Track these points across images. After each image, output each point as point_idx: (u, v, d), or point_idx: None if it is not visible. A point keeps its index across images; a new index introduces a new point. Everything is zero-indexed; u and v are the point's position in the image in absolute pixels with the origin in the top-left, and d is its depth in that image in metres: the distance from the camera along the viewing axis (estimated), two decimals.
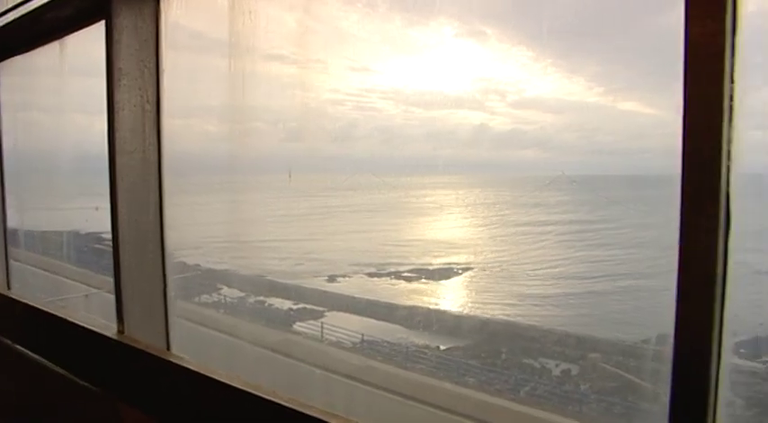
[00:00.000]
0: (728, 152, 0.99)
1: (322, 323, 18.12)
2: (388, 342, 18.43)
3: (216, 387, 2.28)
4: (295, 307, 21.23)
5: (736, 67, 0.99)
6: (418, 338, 19.55)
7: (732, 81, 0.99)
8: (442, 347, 18.58)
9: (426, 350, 18.12)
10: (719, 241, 0.96)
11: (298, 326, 19.07)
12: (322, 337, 17.30)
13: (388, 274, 25.40)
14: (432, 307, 22.72)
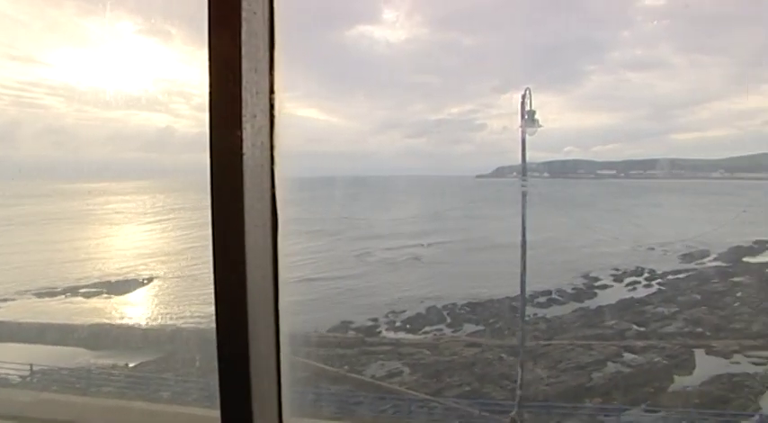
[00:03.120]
0: (272, 158, 1.10)
1: None
2: (66, 368, 16.31)
3: None
4: None
5: (277, 79, 1.11)
6: (104, 359, 17.73)
7: (272, 91, 1.10)
8: (131, 365, 17.16)
9: (114, 370, 16.57)
10: (253, 237, 1.05)
11: None
12: None
13: (65, 292, 22.49)
14: (117, 323, 20.90)
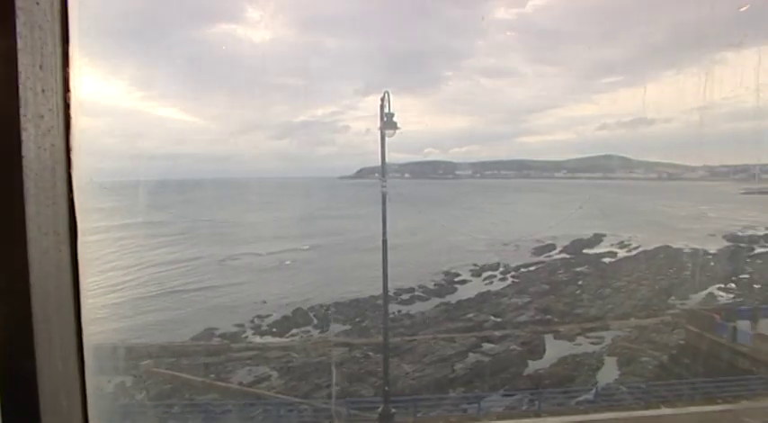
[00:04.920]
0: (68, 160, 1.03)
1: None
2: None
3: None
4: None
5: (77, 78, 1.03)
6: None
7: (68, 90, 1.03)
8: None
9: None
10: (40, 245, 0.98)
11: None
12: None
13: None
14: None
